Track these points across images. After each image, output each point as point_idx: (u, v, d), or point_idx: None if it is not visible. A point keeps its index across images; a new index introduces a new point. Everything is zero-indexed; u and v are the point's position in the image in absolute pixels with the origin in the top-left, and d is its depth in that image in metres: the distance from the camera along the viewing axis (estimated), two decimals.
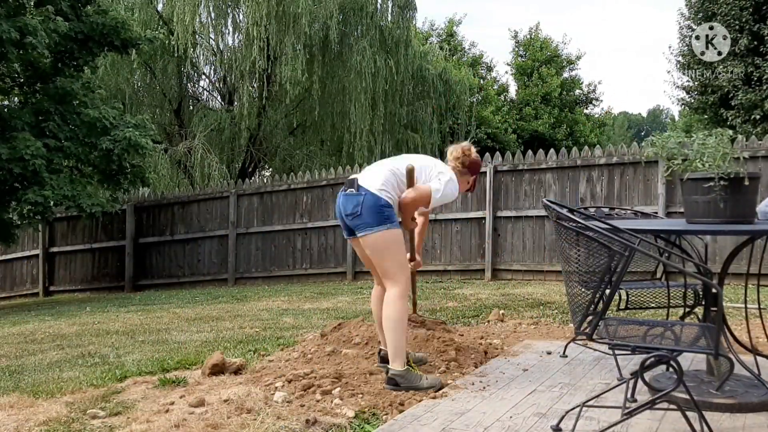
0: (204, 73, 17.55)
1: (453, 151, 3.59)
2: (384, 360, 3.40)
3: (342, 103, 15.44)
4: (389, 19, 16.67)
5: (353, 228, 3.28)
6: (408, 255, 3.56)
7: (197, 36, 15.51)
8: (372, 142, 15.62)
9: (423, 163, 3.46)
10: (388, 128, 16.41)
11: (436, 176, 3.36)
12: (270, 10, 14.15)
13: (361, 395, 3.11)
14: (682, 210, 7.50)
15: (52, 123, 9.93)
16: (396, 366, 3.20)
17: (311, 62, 15.12)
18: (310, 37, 14.70)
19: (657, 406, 2.55)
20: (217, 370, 3.69)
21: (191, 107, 17.49)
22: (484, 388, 3.22)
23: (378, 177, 3.29)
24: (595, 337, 2.42)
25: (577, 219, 2.41)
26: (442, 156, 3.83)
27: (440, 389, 3.19)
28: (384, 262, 3.27)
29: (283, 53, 14.70)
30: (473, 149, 3.61)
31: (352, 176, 3.36)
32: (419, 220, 3.76)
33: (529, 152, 9.64)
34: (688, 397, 2.34)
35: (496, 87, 30.76)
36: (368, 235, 3.22)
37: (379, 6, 16.34)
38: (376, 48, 15.48)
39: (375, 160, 15.24)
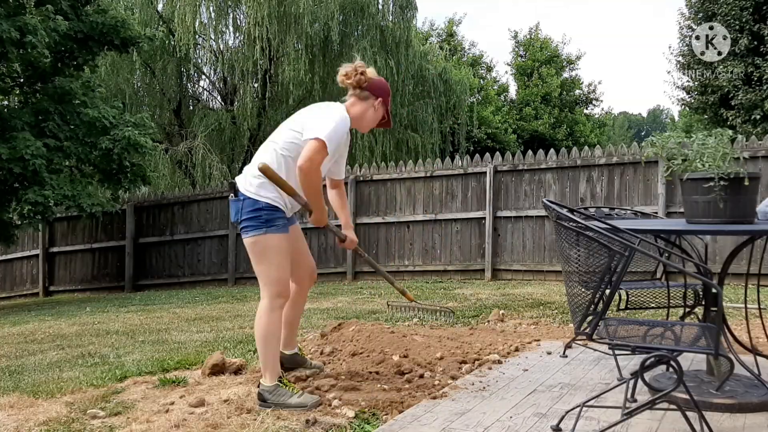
0: (204, 73, 17.56)
1: (342, 70, 3.16)
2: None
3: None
4: (390, 19, 16.69)
5: (240, 233, 3.09)
6: (338, 237, 3.39)
7: (198, 36, 15.53)
8: (372, 142, 15.64)
9: (302, 115, 3.12)
10: (389, 128, 16.40)
11: (309, 119, 3.02)
12: (271, 10, 14.17)
13: (361, 395, 3.11)
14: (682, 210, 7.50)
15: (52, 123, 9.93)
16: (264, 381, 3.03)
17: (312, 62, 15.14)
18: (311, 38, 14.71)
19: (657, 406, 2.55)
20: (217, 370, 3.69)
21: (191, 107, 17.51)
22: (484, 388, 3.22)
23: (255, 176, 3.05)
24: (595, 337, 2.42)
25: (577, 219, 2.41)
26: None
27: (315, 407, 2.92)
28: (257, 267, 3.08)
29: (285, 53, 14.71)
30: (369, 68, 3.19)
31: (235, 179, 3.14)
32: (333, 194, 3.44)
33: (529, 152, 9.64)
34: (688, 397, 2.34)
35: (496, 87, 30.78)
36: (246, 239, 3.06)
37: (379, 6, 16.35)
38: (377, 48, 15.50)
39: (375, 161, 15.20)
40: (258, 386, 3.09)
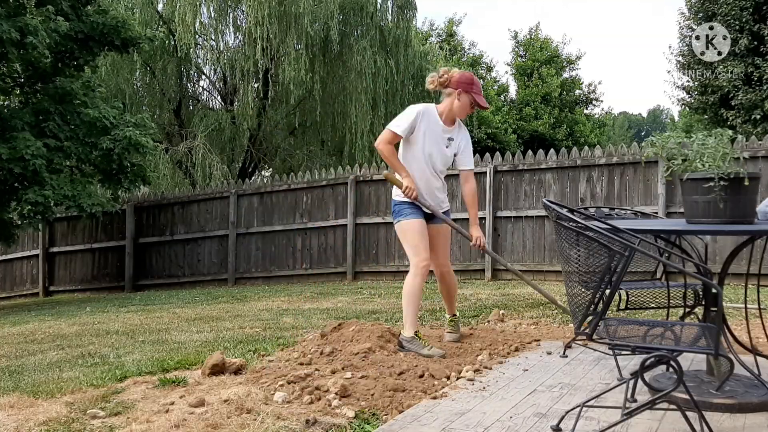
0: (204, 73, 17.55)
1: (428, 79, 4.04)
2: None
3: (343, 104, 15.45)
4: (389, 19, 16.67)
5: None
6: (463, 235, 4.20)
7: (198, 36, 15.53)
8: (373, 143, 15.61)
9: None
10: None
11: None
12: (271, 10, 14.16)
13: (361, 395, 3.11)
14: (682, 210, 7.50)
15: (52, 123, 9.93)
16: (405, 332, 3.94)
17: (312, 62, 15.13)
18: (311, 37, 14.70)
19: (657, 406, 2.54)
20: (217, 370, 3.69)
21: (191, 107, 17.50)
22: (484, 388, 3.22)
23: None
24: (595, 337, 2.42)
25: (577, 219, 2.41)
26: None
27: (441, 358, 3.76)
28: (403, 246, 4.07)
29: (285, 53, 14.71)
30: (452, 69, 4.03)
31: None
32: (464, 189, 4.13)
33: (529, 152, 9.64)
34: (688, 397, 2.34)
35: (496, 87, 30.77)
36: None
37: (379, 6, 16.34)
38: (377, 48, 15.49)
39: (375, 161, 15.28)
40: (398, 336, 3.99)
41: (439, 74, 3.98)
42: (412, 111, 3.90)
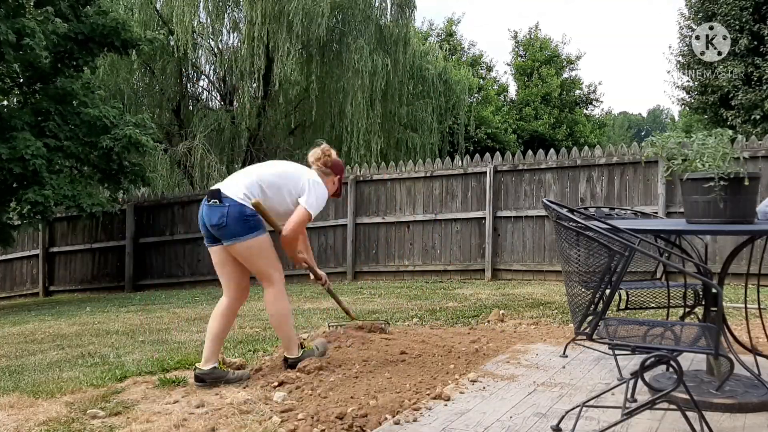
0: (203, 73, 17.55)
1: (313, 153, 3.71)
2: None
3: (341, 103, 15.44)
4: (388, 18, 16.66)
5: (220, 237, 3.40)
6: (311, 275, 4.04)
7: (196, 36, 15.52)
8: (371, 142, 15.63)
9: (287, 169, 3.57)
10: (388, 128, 16.42)
11: (303, 186, 3.47)
12: (268, 10, 14.15)
13: (361, 396, 3.11)
14: (682, 210, 7.50)
15: (52, 123, 9.92)
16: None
17: (309, 62, 15.12)
18: (308, 37, 14.69)
19: (657, 406, 2.54)
20: None
21: (191, 107, 17.49)
22: (484, 388, 3.22)
23: (241, 185, 3.40)
24: (595, 337, 2.42)
25: (577, 219, 2.41)
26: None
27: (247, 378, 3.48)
28: (257, 265, 3.48)
29: (283, 53, 14.71)
30: (333, 150, 3.75)
31: (215, 186, 3.46)
32: (300, 239, 3.78)
33: (529, 152, 9.65)
34: (688, 397, 2.34)
35: (496, 87, 30.77)
36: (236, 244, 3.37)
37: (378, 4, 16.32)
38: (374, 47, 15.47)
39: (374, 160, 15.16)
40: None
41: (324, 152, 3.68)
42: (325, 196, 3.57)
